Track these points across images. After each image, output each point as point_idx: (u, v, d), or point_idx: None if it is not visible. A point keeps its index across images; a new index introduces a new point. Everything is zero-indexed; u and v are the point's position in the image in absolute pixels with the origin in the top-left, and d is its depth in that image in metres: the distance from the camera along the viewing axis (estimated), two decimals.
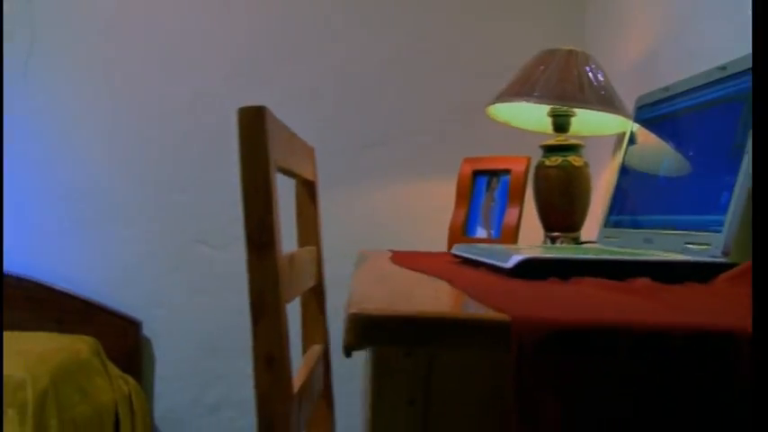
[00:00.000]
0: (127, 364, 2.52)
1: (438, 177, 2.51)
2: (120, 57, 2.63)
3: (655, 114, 1.40)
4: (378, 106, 2.57)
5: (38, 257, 2.63)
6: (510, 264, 0.98)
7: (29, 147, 2.65)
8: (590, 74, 1.75)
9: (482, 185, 1.97)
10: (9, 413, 1.84)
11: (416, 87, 2.56)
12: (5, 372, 1.97)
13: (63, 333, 2.47)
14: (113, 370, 2.42)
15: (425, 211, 2.52)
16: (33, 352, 2.15)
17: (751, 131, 1.03)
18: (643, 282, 0.89)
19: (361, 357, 1.10)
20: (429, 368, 0.59)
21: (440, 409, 0.60)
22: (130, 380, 2.48)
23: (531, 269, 0.97)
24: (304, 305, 1.63)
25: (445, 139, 2.53)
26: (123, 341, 2.55)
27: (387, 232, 2.53)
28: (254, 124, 1.01)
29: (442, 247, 2.28)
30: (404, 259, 1.41)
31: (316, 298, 1.61)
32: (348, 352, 0.58)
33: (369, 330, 0.57)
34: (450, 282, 0.91)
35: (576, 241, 1.86)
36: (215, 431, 2.62)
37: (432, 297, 0.75)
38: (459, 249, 1.38)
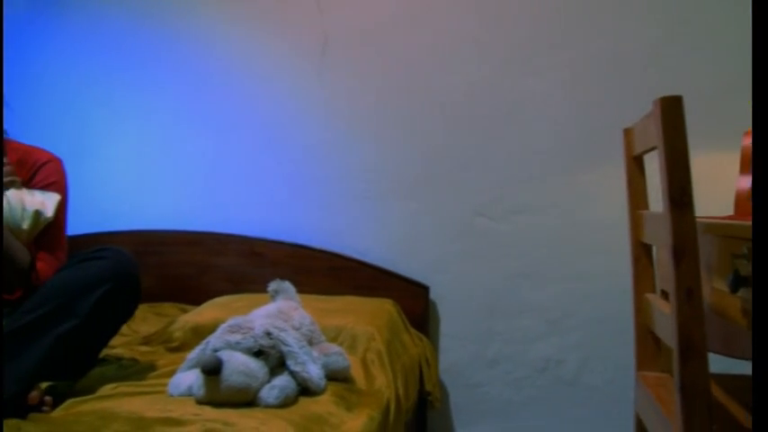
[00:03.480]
0: (417, 324, 2.86)
1: (705, 149, 2.70)
2: (401, 51, 2.99)
3: None
4: (639, 88, 2.77)
5: (335, 232, 3.03)
6: None
7: (324, 135, 3.05)
8: None
9: None
10: (368, 356, 2.22)
11: (677, 68, 2.75)
12: (352, 325, 2.36)
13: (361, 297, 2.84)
14: (411, 328, 2.77)
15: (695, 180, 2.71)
16: (364, 311, 2.53)
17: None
18: None
19: None
20: None
21: None
22: (423, 337, 2.83)
23: None
24: (636, 259, 1.90)
25: (708, 114, 2.70)
26: (413, 304, 2.89)
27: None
28: (674, 109, 1.28)
29: (721, 212, 2.49)
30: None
31: (646, 253, 1.88)
32: None
33: None
34: None
35: None
36: (493, 382, 2.94)
37: None
38: None
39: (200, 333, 2.41)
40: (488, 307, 2.92)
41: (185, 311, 2.92)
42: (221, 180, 3.16)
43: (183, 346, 2.40)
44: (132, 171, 3.27)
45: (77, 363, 2.00)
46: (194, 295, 3.04)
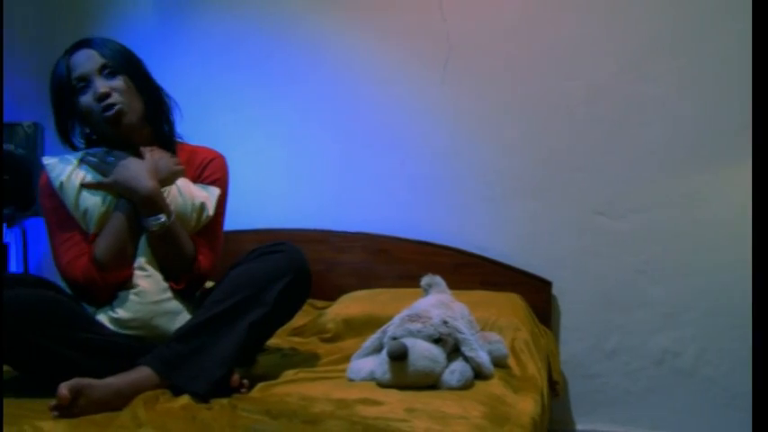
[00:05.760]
0: (540, 317, 3.00)
1: None
2: (523, 57, 3.15)
3: None
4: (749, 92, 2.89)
5: (458, 230, 3.20)
6: None
7: (447, 138, 3.23)
8: None
9: None
10: (517, 345, 2.37)
11: None
12: (496, 317, 2.52)
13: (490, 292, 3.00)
14: (537, 321, 2.92)
15: None
16: (500, 304, 2.69)
17: None
18: None
19: None
20: None
21: None
22: (547, 330, 2.97)
23: None
24: None
25: None
26: (536, 298, 3.03)
27: None
28: None
29: None
30: None
31: None
32: None
33: None
34: None
35: None
36: (611, 373, 3.08)
37: None
38: None
39: (352, 325, 2.61)
40: (607, 301, 3.06)
41: (315, 306, 3.10)
42: (347, 180, 3.36)
43: (336, 337, 2.60)
44: (258, 172, 3.46)
45: (255, 350, 2.19)
46: (321, 291, 3.21)
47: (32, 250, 3.78)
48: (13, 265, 3.76)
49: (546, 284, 3.07)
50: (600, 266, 3.07)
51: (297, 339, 2.63)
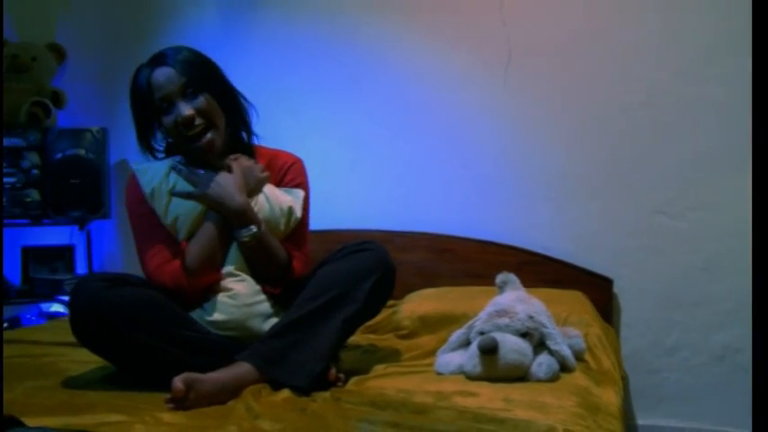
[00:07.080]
0: (602, 314, 3.06)
1: None
2: (583, 61, 3.22)
3: None
4: None
5: (518, 229, 3.28)
6: None
7: (508, 139, 3.32)
8: None
9: None
10: (590, 340, 2.43)
11: None
12: (567, 313, 2.59)
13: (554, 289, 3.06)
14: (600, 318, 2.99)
15: None
16: (568, 301, 2.77)
17: None
18: None
19: None
20: None
21: None
22: (609, 326, 3.04)
23: None
24: None
25: None
26: (597, 295, 3.09)
27: None
28: None
29: None
30: None
31: None
32: None
33: None
34: None
35: None
36: (671, 368, 3.14)
37: None
38: None
39: (427, 322, 2.69)
40: (667, 298, 3.13)
41: None
42: (410, 182, 3.45)
43: (413, 334, 2.67)
44: (321, 174, 3.53)
45: (340, 346, 2.27)
46: None
47: (96, 252, 3.90)
48: (79, 268, 3.88)
49: (607, 282, 3.14)
50: (660, 264, 3.14)
51: (373, 336, 2.71)
